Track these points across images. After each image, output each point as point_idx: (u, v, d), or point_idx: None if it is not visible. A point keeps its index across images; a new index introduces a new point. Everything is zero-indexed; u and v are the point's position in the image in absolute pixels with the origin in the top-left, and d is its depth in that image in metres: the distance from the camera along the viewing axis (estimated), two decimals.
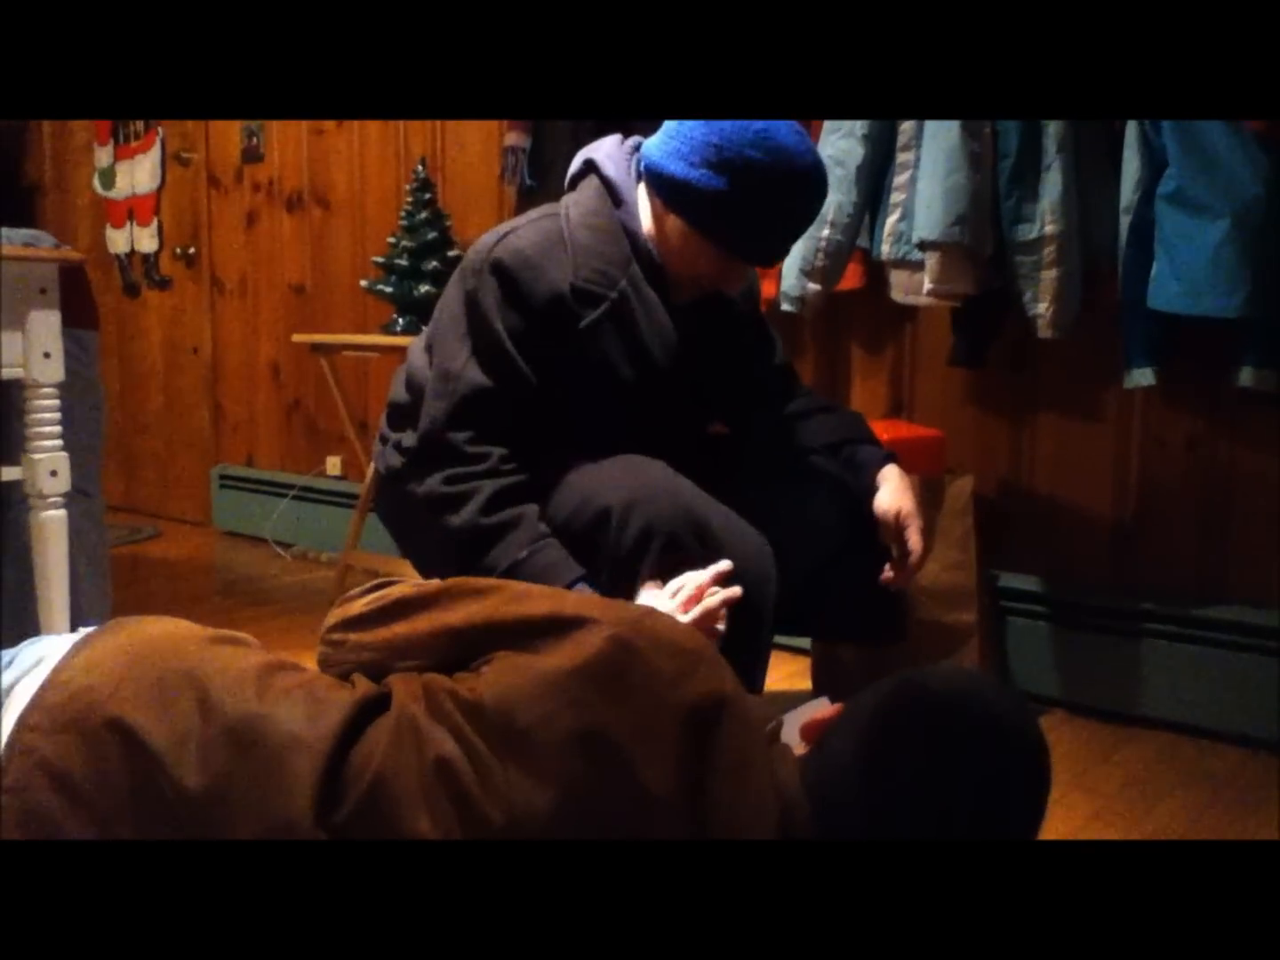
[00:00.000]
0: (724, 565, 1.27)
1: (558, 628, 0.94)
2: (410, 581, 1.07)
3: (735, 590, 1.20)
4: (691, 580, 1.17)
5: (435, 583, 1.04)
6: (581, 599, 1.01)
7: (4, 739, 0.91)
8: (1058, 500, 2.29)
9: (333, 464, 3.57)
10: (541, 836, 0.85)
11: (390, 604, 1.03)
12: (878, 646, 1.98)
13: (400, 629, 1.01)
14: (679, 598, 1.16)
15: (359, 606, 1.05)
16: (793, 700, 2.18)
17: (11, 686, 0.96)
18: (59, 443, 1.76)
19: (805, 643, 2.29)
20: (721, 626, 1.27)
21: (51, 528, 1.75)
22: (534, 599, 0.99)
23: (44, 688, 0.94)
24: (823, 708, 1.01)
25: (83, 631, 1.03)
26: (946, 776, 0.89)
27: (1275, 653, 1.99)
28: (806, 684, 2.22)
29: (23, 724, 0.92)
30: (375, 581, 1.08)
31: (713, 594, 1.20)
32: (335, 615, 1.06)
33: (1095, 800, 1.79)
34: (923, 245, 2.05)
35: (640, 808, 0.87)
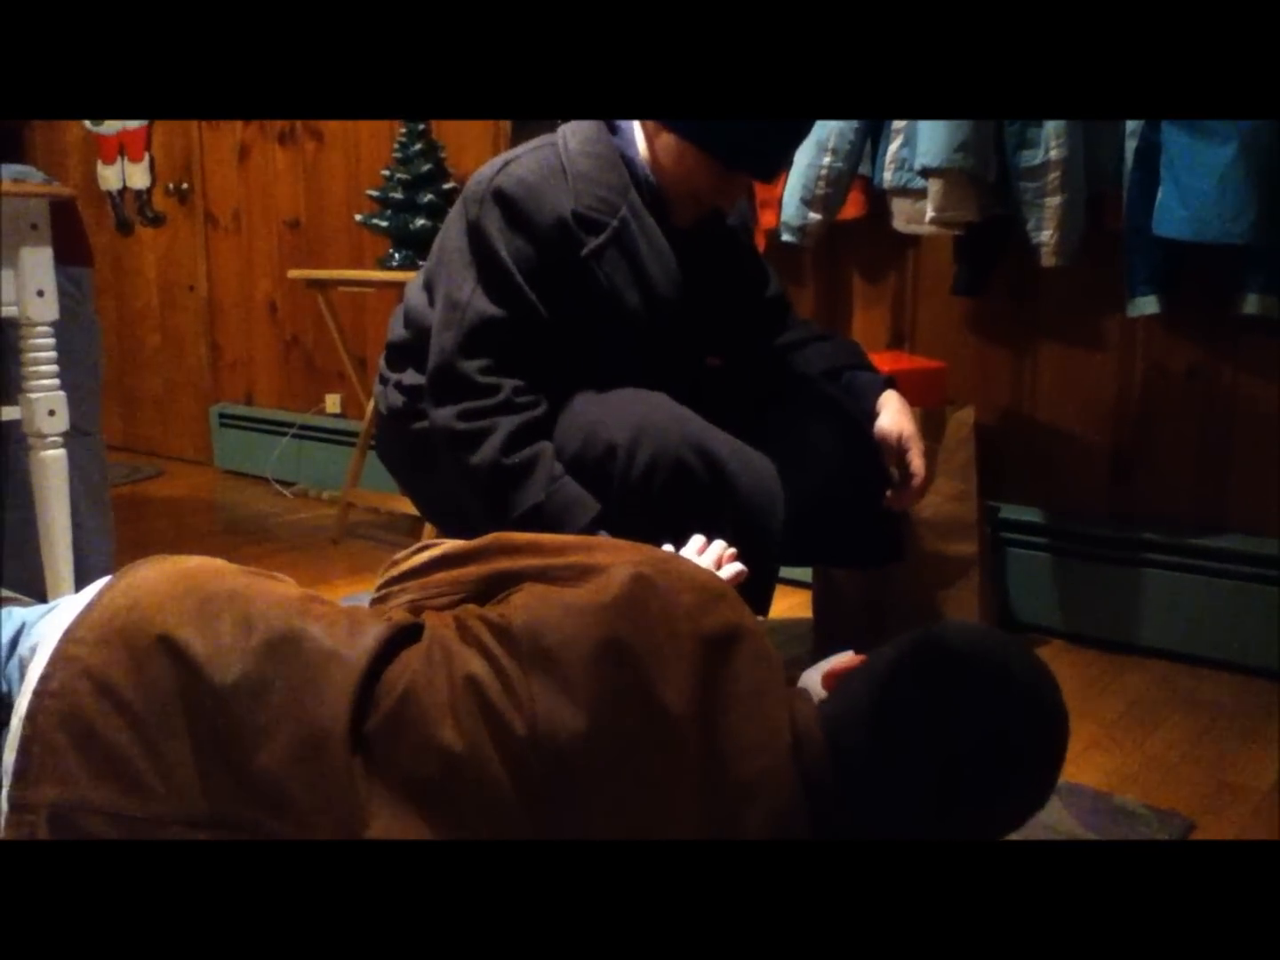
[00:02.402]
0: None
1: (586, 570, 0.99)
2: (453, 542, 1.11)
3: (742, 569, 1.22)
4: (718, 544, 1.22)
5: (477, 540, 1.08)
6: (613, 546, 1.04)
7: (47, 657, 0.94)
8: (1059, 430, 2.29)
9: (332, 401, 3.56)
10: (563, 750, 0.88)
11: (434, 559, 1.08)
12: (880, 569, 1.98)
13: (441, 576, 1.07)
14: (707, 557, 1.19)
15: (405, 564, 1.10)
16: (794, 631, 2.20)
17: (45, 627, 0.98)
18: (56, 381, 1.75)
19: (806, 575, 2.30)
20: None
21: (51, 467, 1.75)
22: (569, 553, 1.03)
23: (88, 607, 0.97)
24: (847, 659, 1.03)
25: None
26: (955, 719, 0.91)
27: (1273, 581, 1.99)
28: (808, 614, 2.24)
29: (68, 637, 0.95)
30: (422, 543, 1.12)
31: (732, 565, 1.23)
32: (383, 575, 1.12)
33: (1094, 728, 1.80)
34: (925, 172, 2.02)
35: (658, 725, 0.89)
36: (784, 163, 1.58)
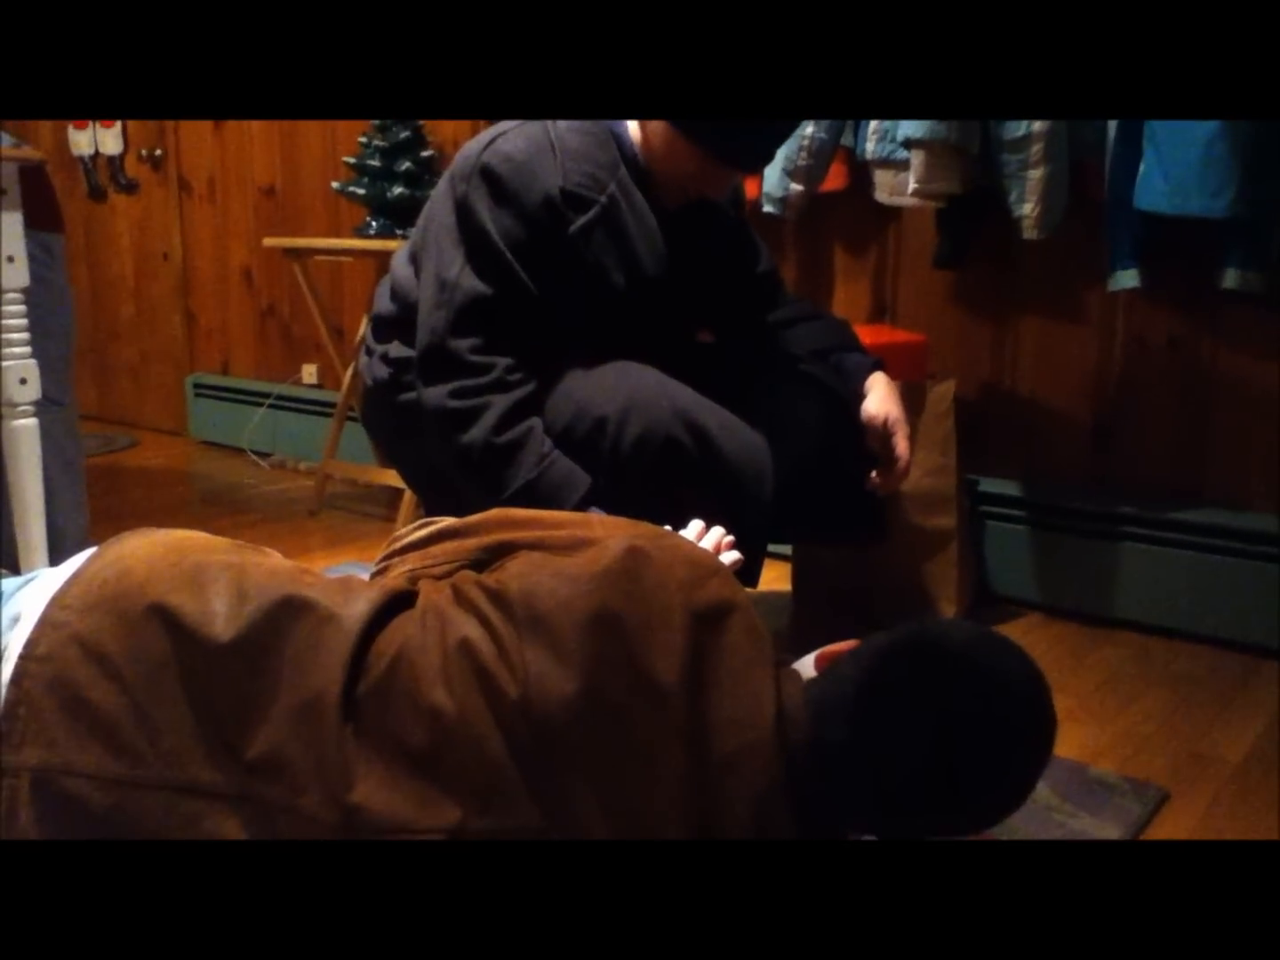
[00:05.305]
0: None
1: (582, 542, 1.00)
2: (453, 519, 1.11)
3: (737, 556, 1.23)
4: (717, 530, 1.23)
5: (477, 515, 1.09)
6: (610, 521, 1.05)
7: (33, 623, 0.93)
8: (1039, 403, 2.29)
9: (309, 372, 3.53)
10: (553, 714, 0.89)
11: (434, 532, 1.09)
12: (860, 550, 2.00)
13: (440, 548, 1.08)
14: (705, 543, 1.20)
15: (406, 539, 1.11)
16: (774, 604, 2.21)
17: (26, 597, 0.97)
18: (27, 349, 1.72)
19: (786, 548, 2.30)
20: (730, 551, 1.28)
21: (22, 437, 1.73)
22: (567, 526, 1.03)
23: (75, 575, 0.96)
24: (844, 643, 1.03)
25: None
26: (938, 712, 0.90)
27: (1249, 555, 2.01)
28: (787, 587, 2.24)
29: (56, 602, 0.94)
30: (423, 520, 1.13)
31: (730, 552, 1.23)
32: (385, 549, 1.12)
33: (1070, 700, 1.82)
34: (908, 143, 2.01)
35: (646, 694, 0.90)
36: (771, 157, 1.58)
